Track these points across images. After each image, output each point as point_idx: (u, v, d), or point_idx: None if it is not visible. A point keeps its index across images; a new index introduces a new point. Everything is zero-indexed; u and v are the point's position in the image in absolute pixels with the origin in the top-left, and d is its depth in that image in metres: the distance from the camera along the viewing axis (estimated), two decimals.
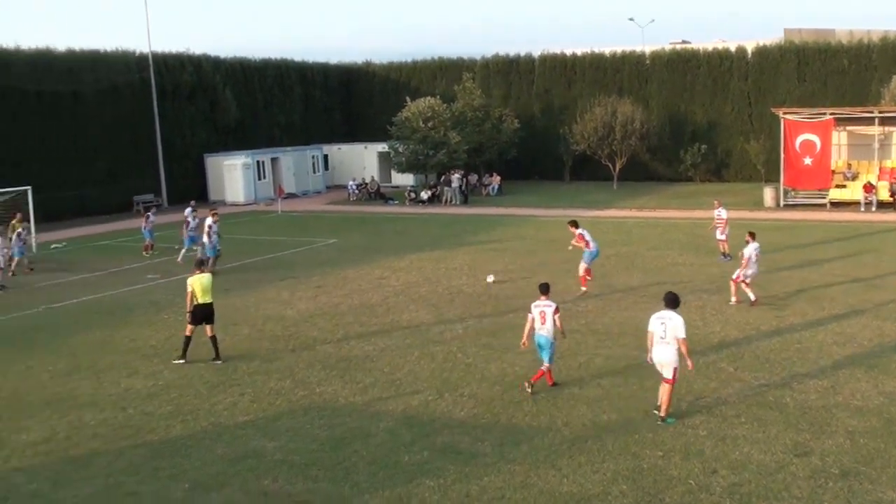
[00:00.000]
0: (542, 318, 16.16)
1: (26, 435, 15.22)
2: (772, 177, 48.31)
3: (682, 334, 14.30)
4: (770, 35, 62.28)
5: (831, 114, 44.37)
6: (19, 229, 32.08)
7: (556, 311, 16.18)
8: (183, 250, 32.62)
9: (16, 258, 31.77)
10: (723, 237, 29.88)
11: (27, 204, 35.66)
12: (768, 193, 45.25)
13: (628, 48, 61.38)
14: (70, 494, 12.81)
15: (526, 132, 58.53)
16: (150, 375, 18.47)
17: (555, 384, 16.56)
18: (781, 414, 14.91)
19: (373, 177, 58.76)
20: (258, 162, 56.08)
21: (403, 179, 59.10)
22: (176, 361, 19.18)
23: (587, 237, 24.88)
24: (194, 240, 32.59)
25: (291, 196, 55.82)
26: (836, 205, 43.54)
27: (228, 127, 58.28)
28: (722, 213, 30.07)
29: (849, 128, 46.73)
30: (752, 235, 23.80)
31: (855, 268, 27.65)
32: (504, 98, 61.66)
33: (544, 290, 16.56)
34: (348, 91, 69.49)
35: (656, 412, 14.75)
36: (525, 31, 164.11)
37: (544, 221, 41.62)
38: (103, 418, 15.94)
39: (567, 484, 12.47)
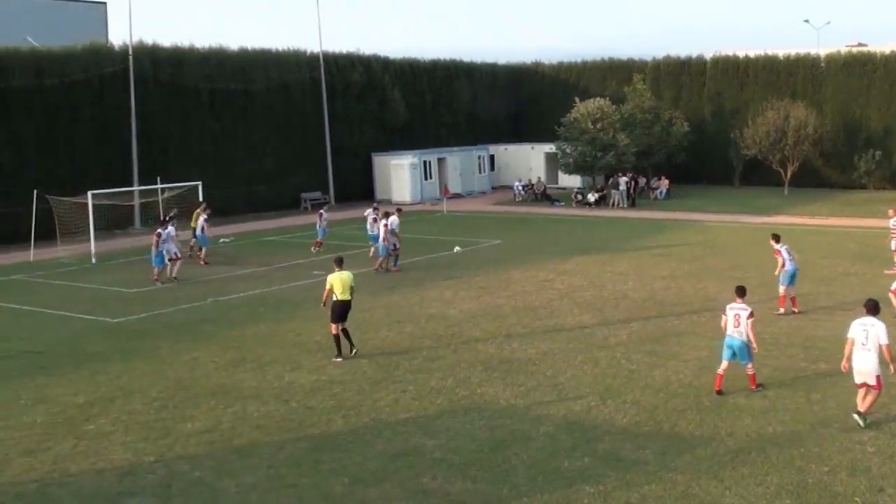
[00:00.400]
0: (737, 320, 16.13)
1: (191, 424, 15.55)
2: None
3: (885, 340, 14.27)
4: None
5: None
6: (203, 216, 33.12)
7: (751, 315, 16.18)
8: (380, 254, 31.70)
9: (203, 248, 32.95)
10: None
11: (198, 198, 36.75)
12: None
13: (802, 50, 58.82)
14: (232, 483, 12.98)
15: (695, 135, 56.94)
16: (313, 370, 18.66)
17: (759, 386, 16.40)
18: None
19: (539, 178, 58.31)
20: (425, 162, 56.59)
21: (570, 181, 58.32)
22: (335, 360, 19.28)
23: (784, 254, 22.85)
24: (375, 238, 32.66)
25: (457, 196, 56.03)
26: None
27: (396, 126, 58.92)
28: None
29: None
30: None
31: None
32: (674, 100, 60.15)
33: (741, 292, 16.54)
34: (516, 91, 69.20)
35: (856, 416, 14.45)
36: (697, 33, 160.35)
37: (712, 226, 40.62)
38: (266, 411, 16.15)
39: (729, 496, 12.14)
